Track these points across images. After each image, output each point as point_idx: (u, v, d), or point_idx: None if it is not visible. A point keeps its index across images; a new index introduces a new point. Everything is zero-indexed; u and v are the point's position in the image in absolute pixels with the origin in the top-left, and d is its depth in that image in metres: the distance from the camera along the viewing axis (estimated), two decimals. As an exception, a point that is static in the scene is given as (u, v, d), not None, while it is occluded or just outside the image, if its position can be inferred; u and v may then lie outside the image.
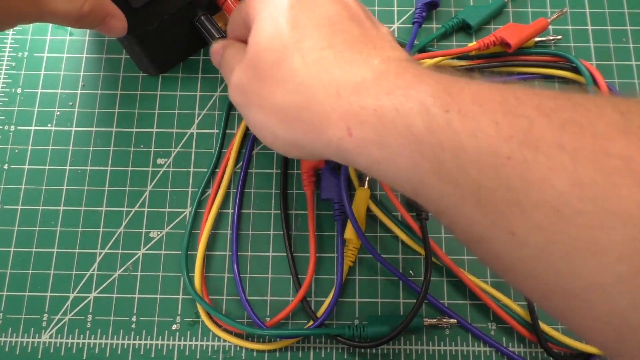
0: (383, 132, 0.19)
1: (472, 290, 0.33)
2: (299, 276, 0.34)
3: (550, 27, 0.40)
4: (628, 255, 0.14)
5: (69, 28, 0.41)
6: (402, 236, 0.34)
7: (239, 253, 0.35)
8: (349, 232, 0.33)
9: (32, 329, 0.34)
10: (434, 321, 0.32)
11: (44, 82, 0.39)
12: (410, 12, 0.41)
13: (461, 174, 0.17)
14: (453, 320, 0.33)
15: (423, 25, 0.40)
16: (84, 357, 0.33)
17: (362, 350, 0.33)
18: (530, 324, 0.32)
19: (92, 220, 0.36)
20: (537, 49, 0.38)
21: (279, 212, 0.36)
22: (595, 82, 0.36)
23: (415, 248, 0.35)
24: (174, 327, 0.34)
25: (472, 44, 0.37)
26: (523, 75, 0.38)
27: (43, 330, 0.34)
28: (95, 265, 0.35)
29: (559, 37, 0.39)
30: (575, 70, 0.37)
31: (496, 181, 0.16)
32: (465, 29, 0.40)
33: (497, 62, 0.38)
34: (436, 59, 0.37)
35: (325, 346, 0.33)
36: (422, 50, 0.39)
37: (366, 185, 0.34)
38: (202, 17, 0.35)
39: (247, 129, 0.37)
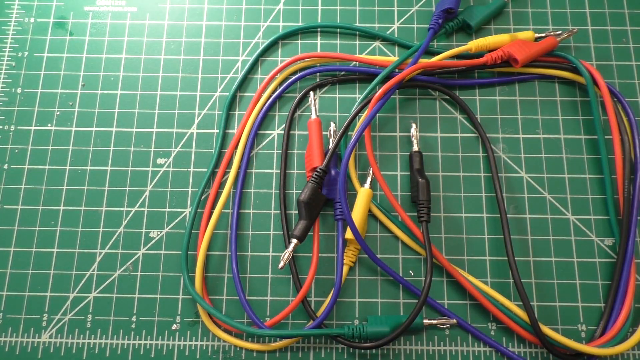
0: None
1: (471, 293, 0.33)
2: (299, 276, 0.34)
3: (551, 26, 0.40)
4: None
5: (69, 28, 0.41)
6: (402, 236, 0.34)
7: (238, 253, 0.35)
8: (351, 233, 0.33)
9: (32, 328, 0.34)
10: (434, 321, 0.32)
11: (44, 82, 0.39)
12: (410, 13, 0.41)
13: None
14: (453, 321, 0.33)
15: (422, 25, 0.40)
16: (84, 357, 0.33)
17: (362, 350, 0.33)
18: (530, 324, 0.32)
19: (92, 220, 0.36)
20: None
21: (279, 212, 0.36)
22: (595, 82, 0.36)
23: (415, 248, 0.35)
24: (174, 327, 0.34)
25: (481, 58, 0.37)
26: (523, 76, 0.38)
27: (43, 330, 0.34)
28: (95, 265, 0.35)
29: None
30: (575, 70, 0.37)
31: None
32: (465, 28, 0.40)
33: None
34: (438, 57, 0.37)
35: (325, 346, 0.33)
36: (431, 52, 0.39)
37: (368, 186, 0.34)
38: None
39: (249, 129, 0.37)
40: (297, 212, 0.35)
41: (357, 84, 0.39)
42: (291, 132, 0.38)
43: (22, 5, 0.41)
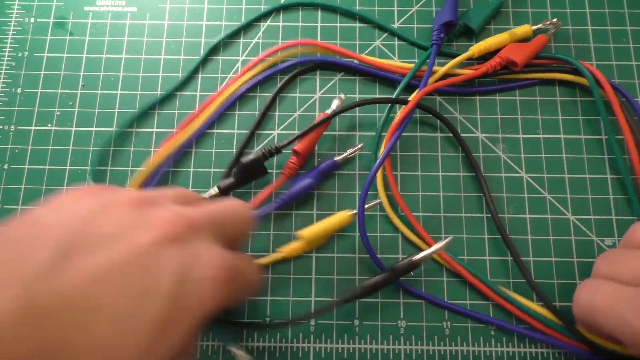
0: None
1: (472, 284, 0.33)
2: (300, 276, 0.34)
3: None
4: None
5: (69, 28, 0.41)
6: (406, 233, 0.35)
7: (239, 253, 0.35)
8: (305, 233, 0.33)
9: (32, 329, 0.34)
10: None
11: (44, 82, 0.39)
12: (410, 13, 0.41)
13: None
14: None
15: (422, 25, 0.40)
16: (84, 357, 0.33)
17: (364, 345, 0.33)
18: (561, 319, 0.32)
19: (92, 220, 0.36)
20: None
21: (279, 212, 0.36)
22: (598, 83, 0.36)
23: (417, 243, 0.35)
24: (174, 327, 0.34)
25: (481, 69, 0.36)
26: (524, 82, 0.38)
27: (43, 331, 0.34)
28: (96, 265, 0.35)
29: (554, 20, 0.38)
30: (576, 72, 0.37)
31: None
32: (466, 32, 0.40)
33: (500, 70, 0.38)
34: (442, 69, 0.37)
35: (326, 346, 0.33)
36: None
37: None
38: None
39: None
40: (297, 211, 0.35)
41: (357, 82, 0.39)
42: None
43: (22, 5, 0.41)
